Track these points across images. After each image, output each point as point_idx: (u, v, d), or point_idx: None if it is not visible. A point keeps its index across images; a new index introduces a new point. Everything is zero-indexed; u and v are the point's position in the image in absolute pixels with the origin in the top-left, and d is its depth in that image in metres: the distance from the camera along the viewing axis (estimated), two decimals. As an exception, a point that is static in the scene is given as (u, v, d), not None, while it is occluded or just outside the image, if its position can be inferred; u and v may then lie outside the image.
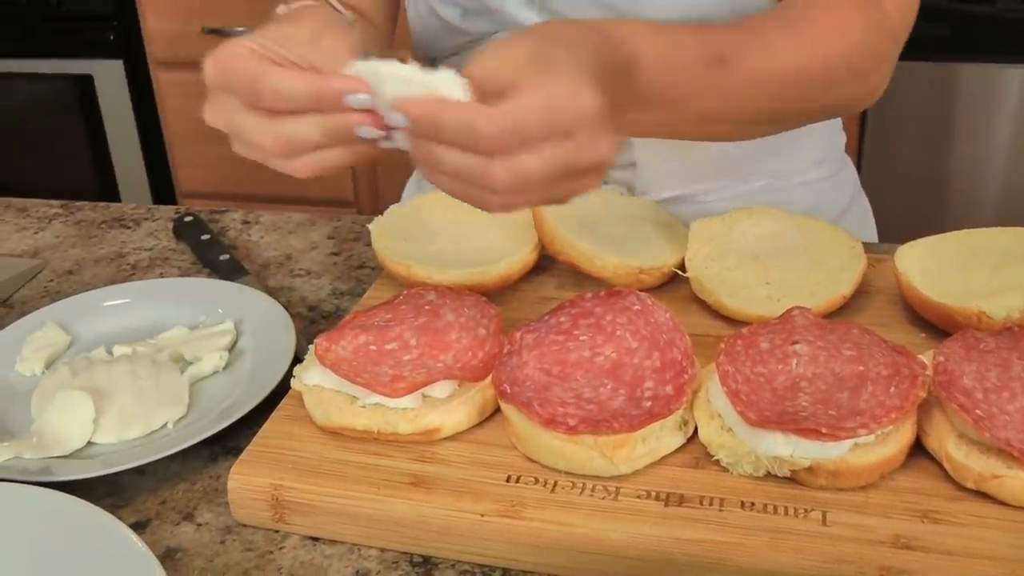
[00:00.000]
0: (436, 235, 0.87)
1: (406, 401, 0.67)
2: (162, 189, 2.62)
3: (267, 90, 0.61)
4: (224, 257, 0.97)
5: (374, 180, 2.45)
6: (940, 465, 0.63)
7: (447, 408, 0.67)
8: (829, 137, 1.04)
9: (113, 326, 0.88)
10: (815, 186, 1.01)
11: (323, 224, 1.08)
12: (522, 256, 0.83)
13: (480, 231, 0.87)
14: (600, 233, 0.83)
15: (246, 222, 1.09)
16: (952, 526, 0.59)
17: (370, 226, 0.87)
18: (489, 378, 0.69)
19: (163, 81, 2.47)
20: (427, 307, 0.75)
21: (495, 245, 0.84)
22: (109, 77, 2.50)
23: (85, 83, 2.50)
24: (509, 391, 0.66)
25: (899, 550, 0.57)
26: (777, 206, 0.88)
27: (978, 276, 0.75)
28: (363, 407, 0.68)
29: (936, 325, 0.75)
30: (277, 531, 0.66)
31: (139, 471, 0.72)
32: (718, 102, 0.74)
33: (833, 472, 0.60)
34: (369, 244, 1.01)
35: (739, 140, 0.85)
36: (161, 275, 0.99)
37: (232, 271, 0.95)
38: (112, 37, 2.45)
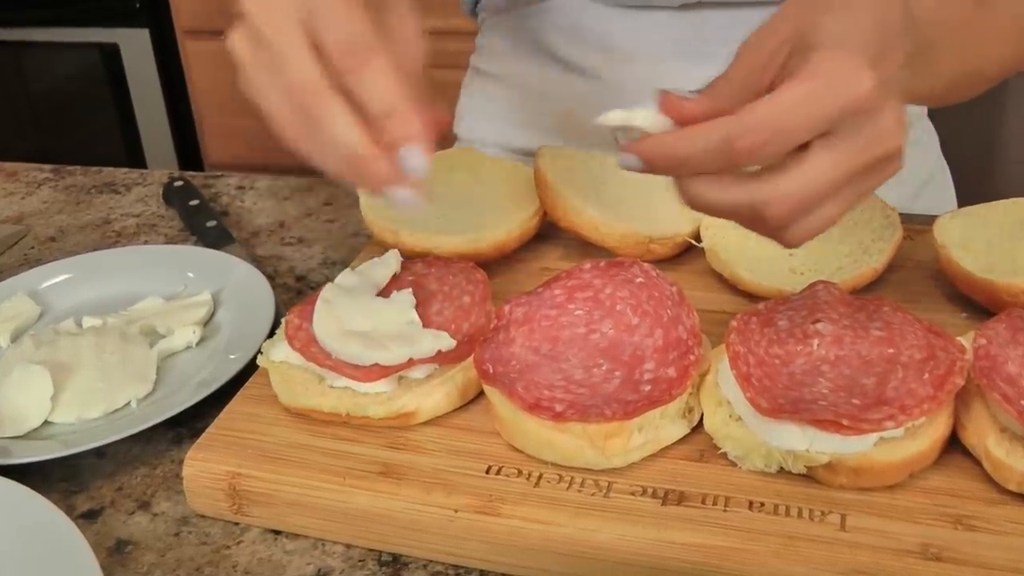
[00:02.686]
0: (431, 199, 0.79)
1: (378, 383, 0.60)
2: (190, 160, 2.58)
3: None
4: (211, 224, 0.91)
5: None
6: (979, 464, 0.55)
7: (424, 390, 0.60)
8: None
9: (87, 296, 0.82)
10: None
11: (321, 189, 1.01)
12: (520, 222, 0.76)
13: (477, 196, 0.80)
14: (608, 198, 0.76)
15: (240, 187, 1.02)
16: (990, 534, 0.51)
17: (359, 189, 0.80)
18: (472, 357, 0.62)
19: (190, 50, 2.42)
20: (411, 278, 0.68)
21: (491, 211, 0.77)
22: (135, 46, 2.45)
23: (111, 52, 2.46)
24: (492, 371, 0.59)
25: (928, 561, 0.49)
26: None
27: (1026, 250, 0.67)
28: (332, 387, 0.61)
29: (979, 303, 0.67)
30: (237, 523, 0.60)
31: (98, 453, 0.67)
32: (985, 47, 0.64)
33: (855, 469, 0.53)
34: (366, 211, 0.96)
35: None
36: (146, 242, 0.93)
37: (218, 238, 0.89)
38: (138, 5, 2.40)
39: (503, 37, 1.00)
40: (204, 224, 0.91)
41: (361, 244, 0.90)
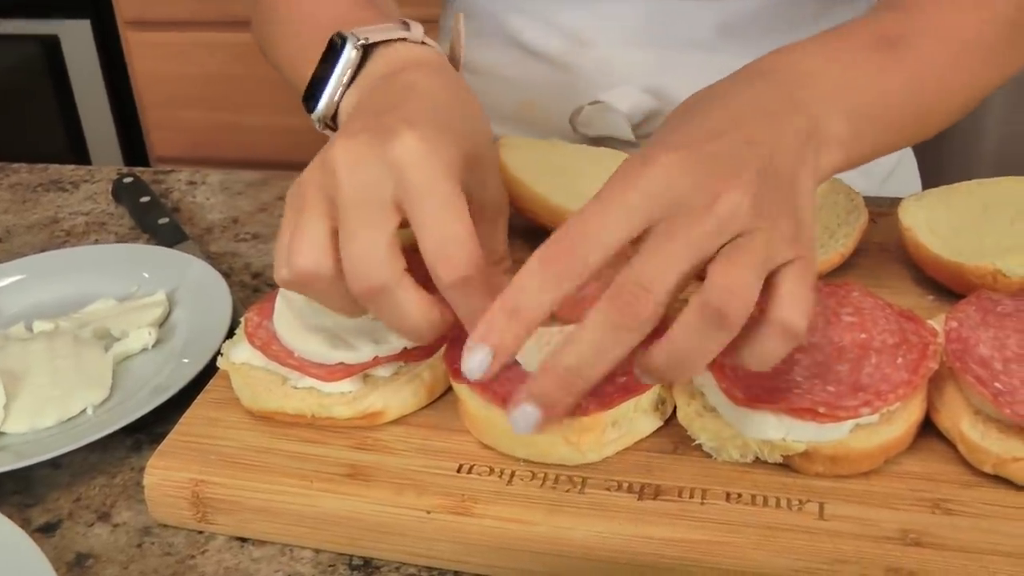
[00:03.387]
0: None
1: (344, 383, 0.58)
2: (135, 154, 2.53)
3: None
4: (163, 221, 0.88)
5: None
6: (953, 447, 0.54)
7: (391, 388, 0.59)
8: None
9: (36, 299, 0.79)
10: None
11: (275, 183, 0.99)
12: (482, 215, 0.74)
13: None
14: (572, 188, 0.75)
15: (192, 182, 1.00)
16: (968, 517, 0.51)
17: None
18: (439, 353, 0.60)
19: (133, 42, 2.37)
20: (373, 273, 0.66)
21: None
22: (76, 38, 2.39)
23: (51, 44, 2.39)
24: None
25: (908, 547, 0.49)
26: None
27: (993, 231, 0.66)
28: (295, 388, 0.59)
29: (946, 286, 0.66)
30: (201, 532, 0.58)
31: (53, 464, 0.64)
32: (897, 91, 0.58)
33: (832, 457, 0.52)
34: (325, 205, 0.93)
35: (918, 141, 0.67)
36: (96, 241, 0.90)
37: (171, 236, 0.87)
38: (78, -5, 2.35)
39: (465, 22, 0.99)
40: (156, 221, 0.89)
41: (318, 238, 0.88)
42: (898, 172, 0.97)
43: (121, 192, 0.95)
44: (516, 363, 0.57)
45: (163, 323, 0.75)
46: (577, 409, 0.53)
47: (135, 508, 0.61)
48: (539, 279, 0.47)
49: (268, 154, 2.27)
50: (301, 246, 0.52)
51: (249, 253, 0.87)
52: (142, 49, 2.34)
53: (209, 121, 2.37)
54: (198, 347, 0.70)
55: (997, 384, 0.53)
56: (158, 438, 0.64)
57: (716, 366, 0.55)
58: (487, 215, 0.60)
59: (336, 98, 0.62)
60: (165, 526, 0.59)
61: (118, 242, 0.90)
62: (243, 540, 0.58)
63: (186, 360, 0.69)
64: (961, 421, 0.53)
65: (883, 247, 0.73)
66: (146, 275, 0.79)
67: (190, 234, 0.88)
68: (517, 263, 0.74)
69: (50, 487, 0.63)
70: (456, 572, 0.54)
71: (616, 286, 0.46)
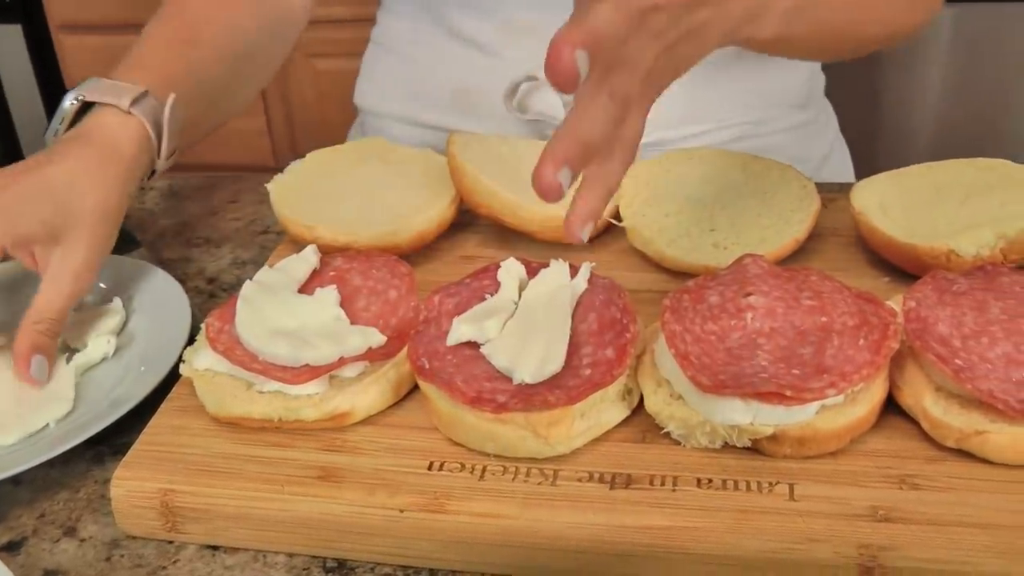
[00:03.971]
0: (343, 193, 0.77)
1: (310, 385, 0.58)
2: (71, 161, 2.48)
3: None
4: (112, 229, 0.87)
5: (294, 143, 2.34)
6: (916, 423, 0.56)
7: (357, 389, 0.59)
8: (812, 78, 0.97)
9: (-17, 314, 0.78)
10: (796, 132, 0.94)
11: (223, 186, 0.98)
12: (439, 211, 0.74)
13: (392, 187, 0.78)
14: (523, 182, 0.74)
15: (140, 188, 0.98)
16: (934, 491, 0.52)
17: (268, 185, 0.78)
18: (404, 352, 0.60)
19: (65, 46, 2.32)
20: (332, 273, 0.66)
21: (408, 202, 0.75)
22: (8, 43, 2.35)
23: (-18, 50, 2.34)
24: (428, 367, 0.57)
25: (878, 523, 0.50)
26: (759, 154, 0.79)
27: (943, 212, 0.68)
28: (261, 393, 0.59)
29: (900, 267, 0.68)
30: (171, 542, 0.58)
31: (14, 480, 0.63)
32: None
33: (799, 439, 0.53)
34: (275, 207, 0.93)
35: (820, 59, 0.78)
36: (43, 252, 0.88)
37: (122, 243, 0.84)
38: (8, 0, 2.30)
39: (402, 10, 0.98)
40: (105, 229, 0.87)
41: (271, 242, 0.88)
42: (832, 160, 0.98)
43: (67, 200, 0.93)
44: (486, 360, 0.57)
45: (120, 331, 0.73)
46: (544, 404, 0.54)
47: (101, 521, 0.60)
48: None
49: (210, 157, 2.24)
50: None
51: (203, 258, 0.86)
52: (75, 53, 2.30)
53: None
54: (158, 355, 0.69)
55: (957, 361, 0.54)
56: (120, 449, 0.63)
57: (681, 355, 0.56)
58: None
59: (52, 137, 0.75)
60: (134, 538, 0.58)
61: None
62: (215, 548, 0.57)
63: (145, 369, 0.68)
64: (923, 398, 0.54)
65: (835, 231, 0.74)
66: (101, 285, 0.78)
67: (141, 241, 0.87)
68: (470, 259, 0.75)
69: (11, 504, 0.62)
70: (431, 570, 0.54)
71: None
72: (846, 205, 0.74)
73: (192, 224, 0.91)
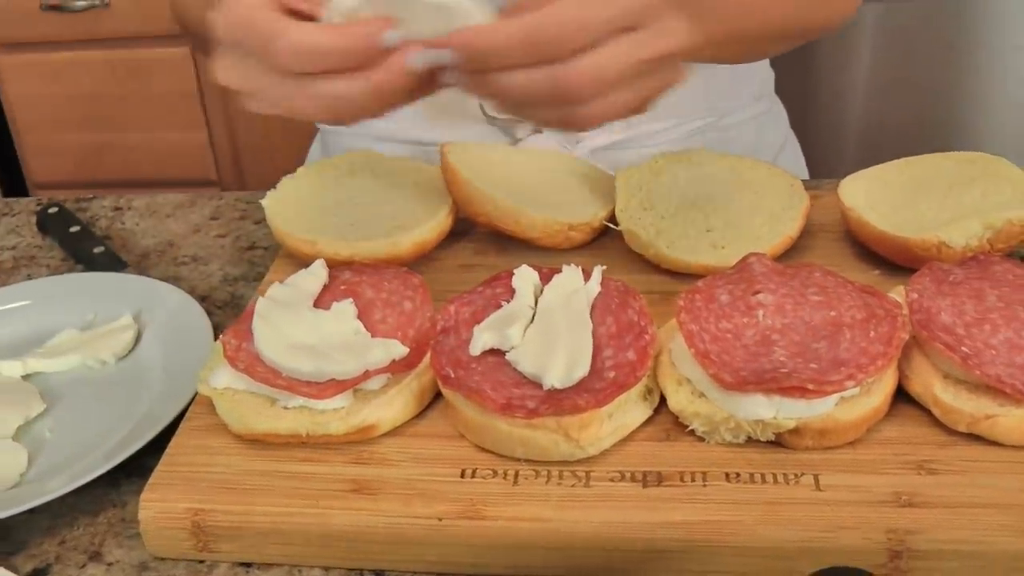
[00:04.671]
0: (338, 206, 0.78)
1: (336, 399, 0.59)
2: (13, 182, 2.43)
3: (286, 48, 0.54)
4: (99, 250, 0.86)
5: (237, 156, 2.32)
6: (925, 410, 0.58)
7: (381, 401, 0.59)
8: (765, 70, 1.00)
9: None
10: (754, 122, 0.97)
11: (203, 204, 0.97)
12: (438, 221, 0.75)
13: (387, 199, 0.78)
14: (520, 190, 0.76)
15: (117, 208, 0.97)
16: (951, 475, 0.54)
17: (263, 201, 0.78)
18: (424, 362, 0.61)
19: (5, 64, 2.27)
20: (343, 287, 0.66)
21: (404, 212, 0.76)
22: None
23: (-88, 71, 2.27)
24: (453, 376, 0.58)
25: (902, 508, 0.52)
26: (719, 146, 0.82)
27: (930, 205, 0.71)
28: (286, 409, 0.59)
29: (889, 260, 0.71)
30: (202, 561, 0.58)
31: (29, 508, 0.62)
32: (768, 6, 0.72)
33: (820, 431, 0.55)
34: (257, 222, 0.93)
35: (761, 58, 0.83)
36: (29, 276, 0.87)
37: (109, 265, 0.85)
38: (-60, 18, 2.24)
39: None
40: (91, 251, 0.86)
41: (259, 257, 0.88)
42: (786, 150, 1.02)
43: (48, 223, 0.92)
44: (511, 367, 0.58)
45: (133, 348, 0.73)
46: (575, 407, 0.55)
47: (126, 545, 0.60)
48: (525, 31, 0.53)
49: (152, 173, 2.21)
50: None
51: (192, 277, 0.86)
52: (13, 71, 2.25)
53: (88, 143, 2.30)
54: (178, 375, 0.68)
55: (964, 348, 0.56)
56: (134, 471, 0.63)
57: (701, 354, 0.57)
58: None
59: None
60: (162, 559, 0.58)
61: (51, 275, 0.87)
62: (247, 565, 0.57)
63: (167, 389, 0.68)
64: (933, 386, 0.57)
65: (823, 227, 0.77)
66: (103, 301, 0.77)
67: (127, 262, 0.86)
68: (469, 267, 0.76)
69: (30, 532, 0.61)
70: (470, 576, 0.55)
71: (559, 75, 0.53)
72: (830, 202, 0.77)
73: (176, 243, 0.91)
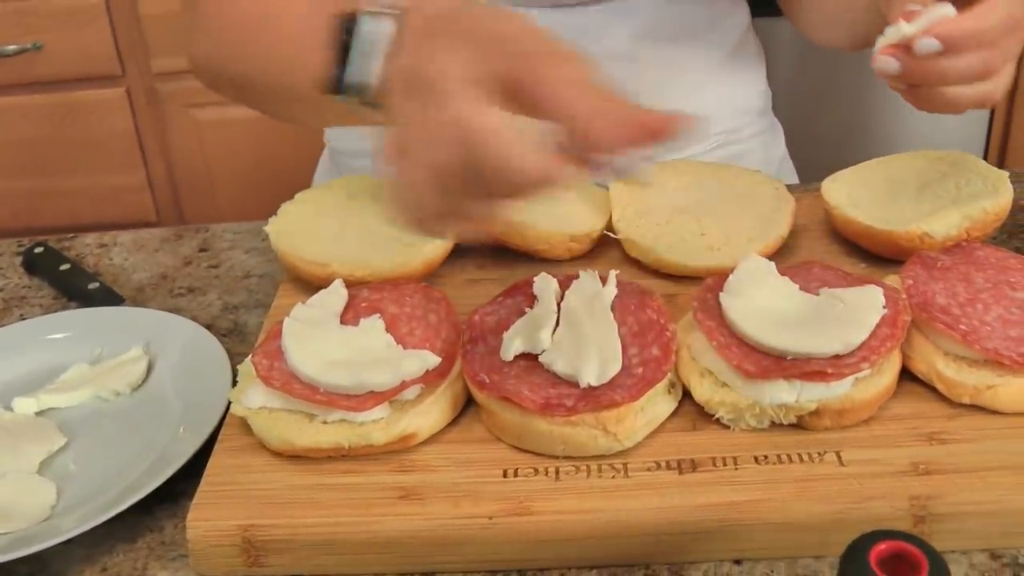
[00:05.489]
0: (343, 229, 0.80)
1: (375, 411, 0.61)
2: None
3: (522, 178, 0.50)
4: (93, 286, 0.87)
5: (176, 196, 2.31)
6: (928, 387, 0.62)
7: (419, 410, 0.61)
8: (765, 86, 1.04)
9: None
10: (761, 138, 1.01)
11: (190, 237, 0.98)
12: (443, 239, 0.78)
13: (385, 222, 0.80)
14: (522, 207, 0.79)
15: (103, 245, 0.98)
16: (960, 443, 0.58)
17: (266, 228, 0.80)
18: (455, 371, 0.64)
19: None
20: (364, 304, 0.69)
21: (405, 235, 0.78)
22: None
23: None
24: (489, 381, 0.61)
25: (921, 476, 0.56)
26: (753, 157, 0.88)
27: (907, 200, 0.75)
28: (325, 423, 0.61)
29: (874, 253, 0.75)
30: (250, 576, 0.59)
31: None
32: None
33: (839, 411, 0.59)
34: (248, 251, 0.94)
35: None
36: (22, 316, 0.87)
37: (105, 300, 0.85)
38: None
39: None
40: (85, 287, 0.87)
41: (255, 285, 0.89)
42: (786, 162, 1.06)
43: (35, 263, 0.92)
44: (543, 369, 0.61)
45: (145, 379, 0.74)
46: (611, 403, 0.58)
47: (170, 567, 0.61)
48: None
49: (91, 217, 2.19)
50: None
51: (192, 307, 0.86)
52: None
53: (26, 189, 2.27)
54: (199, 402, 0.70)
55: (962, 326, 0.61)
56: (166, 498, 0.65)
57: (722, 347, 0.61)
58: None
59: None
60: (210, 578, 0.59)
61: (44, 314, 0.87)
62: (297, 577, 0.59)
63: (192, 414, 0.69)
64: (936, 363, 0.61)
65: (806, 227, 0.81)
66: (110, 335, 0.78)
67: (124, 295, 0.87)
68: (474, 281, 0.78)
69: (69, 561, 0.62)
70: (519, 571, 0.58)
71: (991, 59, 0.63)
72: (808, 204, 0.82)
73: (170, 275, 0.92)
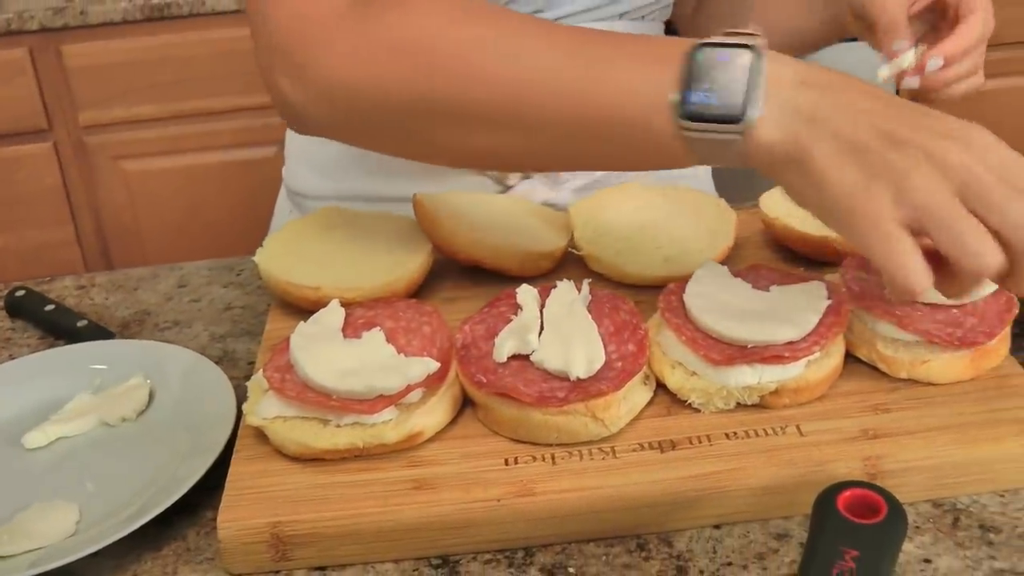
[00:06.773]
0: (326, 255, 0.86)
1: (384, 412, 0.67)
2: None
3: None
4: (82, 323, 0.91)
5: (105, 248, 2.31)
6: (870, 367, 0.71)
7: (424, 410, 0.68)
8: None
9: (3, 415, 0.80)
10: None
11: (166, 275, 1.03)
12: (424, 259, 0.84)
13: (368, 245, 0.87)
14: (491, 228, 0.86)
15: (81, 287, 1.02)
16: (902, 411, 0.67)
17: (255, 258, 0.86)
18: (451, 375, 0.70)
19: None
20: (361, 320, 0.75)
21: (388, 256, 0.85)
22: None
23: None
24: (486, 381, 0.68)
25: (870, 440, 0.65)
26: (686, 181, 0.95)
27: (835, 208, 0.85)
28: (339, 427, 0.67)
29: (810, 257, 0.84)
30: (276, 572, 0.64)
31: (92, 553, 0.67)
32: None
33: (795, 390, 0.67)
34: (226, 285, 0.99)
35: None
36: (11, 357, 0.91)
37: (97, 335, 0.90)
38: None
39: None
40: (74, 325, 0.91)
41: (239, 316, 0.94)
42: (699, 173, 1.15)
43: (17, 307, 0.96)
44: (534, 367, 0.68)
45: (148, 406, 0.79)
46: (599, 392, 0.65)
47: (199, 569, 0.66)
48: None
49: (13, 273, 2.18)
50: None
51: (179, 339, 0.91)
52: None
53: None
54: (202, 421, 0.74)
55: (897, 312, 0.70)
56: (183, 510, 0.69)
57: (690, 341, 0.69)
58: None
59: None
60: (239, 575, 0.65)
61: (34, 352, 0.91)
62: (323, 568, 0.64)
63: (202, 432, 0.73)
64: (876, 345, 0.70)
65: (747, 238, 0.90)
66: (108, 364, 0.82)
67: (113, 331, 0.91)
68: (452, 299, 0.85)
69: (99, 572, 0.66)
70: (525, 548, 0.64)
71: None
72: (745, 218, 0.91)
73: (153, 312, 0.96)
